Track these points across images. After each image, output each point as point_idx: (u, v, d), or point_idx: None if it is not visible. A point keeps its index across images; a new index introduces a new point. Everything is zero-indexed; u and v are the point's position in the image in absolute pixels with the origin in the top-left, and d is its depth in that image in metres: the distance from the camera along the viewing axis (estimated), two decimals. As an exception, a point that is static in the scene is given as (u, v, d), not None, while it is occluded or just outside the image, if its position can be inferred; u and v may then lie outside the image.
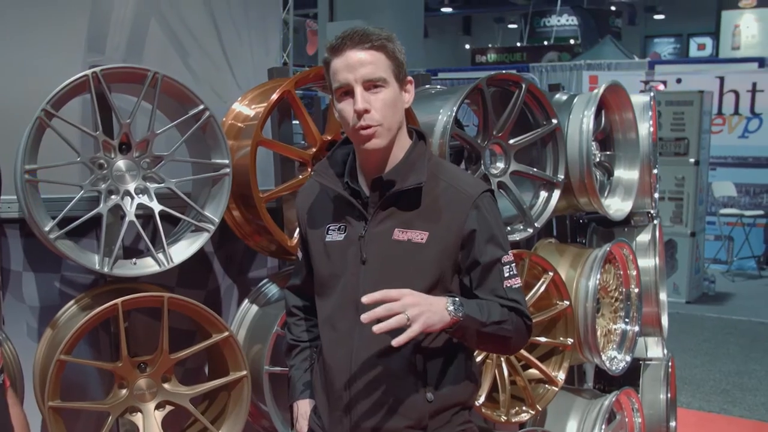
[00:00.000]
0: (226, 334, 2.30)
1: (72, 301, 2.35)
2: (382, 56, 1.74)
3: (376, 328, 1.62)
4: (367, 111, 1.73)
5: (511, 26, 26.51)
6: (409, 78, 1.83)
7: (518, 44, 23.75)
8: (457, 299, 1.73)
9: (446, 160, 2.67)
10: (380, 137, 1.76)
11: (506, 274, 1.84)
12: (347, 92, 1.75)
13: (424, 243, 1.80)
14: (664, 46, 24.55)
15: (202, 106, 2.26)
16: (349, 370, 1.85)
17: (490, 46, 23.82)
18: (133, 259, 2.23)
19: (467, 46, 26.65)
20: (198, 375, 2.67)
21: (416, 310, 1.64)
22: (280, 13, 4.83)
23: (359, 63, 1.72)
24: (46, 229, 2.08)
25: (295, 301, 2.13)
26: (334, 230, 1.89)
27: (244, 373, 2.34)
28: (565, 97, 3.28)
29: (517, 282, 1.86)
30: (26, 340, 2.41)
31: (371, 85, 1.73)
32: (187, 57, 3.38)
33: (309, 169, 2.52)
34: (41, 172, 2.11)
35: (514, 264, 1.87)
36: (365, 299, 1.65)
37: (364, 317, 1.63)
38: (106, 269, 2.16)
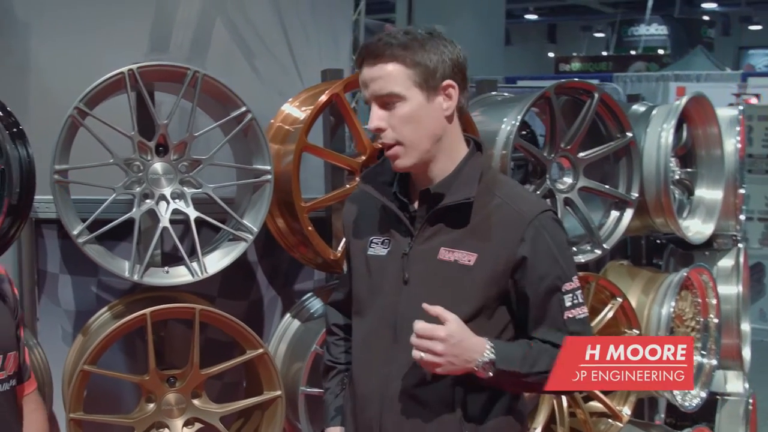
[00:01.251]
0: (261, 351, 2.17)
1: (105, 308, 2.27)
2: (397, 67, 1.60)
3: (415, 355, 1.58)
4: (379, 129, 1.62)
5: (597, 35, 25.87)
6: (449, 82, 1.64)
7: (604, 53, 23.14)
8: (493, 353, 1.59)
9: (507, 172, 2.50)
10: (404, 156, 1.63)
11: (567, 304, 1.66)
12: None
13: (471, 265, 1.63)
14: (760, 58, 23.44)
15: (243, 108, 2.14)
16: (381, 399, 1.69)
17: (574, 54, 23.26)
18: (166, 268, 2.12)
19: (551, 54, 26.13)
20: (236, 390, 2.55)
21: (439, 359, 1.56)
22: (350, 15, 4.71)
23: (370, 79, 1.62)
24: (75, 232, 1.99)
25: (336, 318, 1.98)
26: (377, 243, 1.73)
27: (279, 393, 2.21)
28: (642, 109, 3.04)
29: (581, 312, 1.68)
30: (61, 344, 2.35)
31: (385, 101, 1.61)
32: (253, 58, 3.28)
33: (357, 178, 2.37)
34: (76, 172, 2.02)
35: (579, 291, 1.68)
36: (417, 326, 1.58)
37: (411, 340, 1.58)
38: (136, 277, 2.06)
